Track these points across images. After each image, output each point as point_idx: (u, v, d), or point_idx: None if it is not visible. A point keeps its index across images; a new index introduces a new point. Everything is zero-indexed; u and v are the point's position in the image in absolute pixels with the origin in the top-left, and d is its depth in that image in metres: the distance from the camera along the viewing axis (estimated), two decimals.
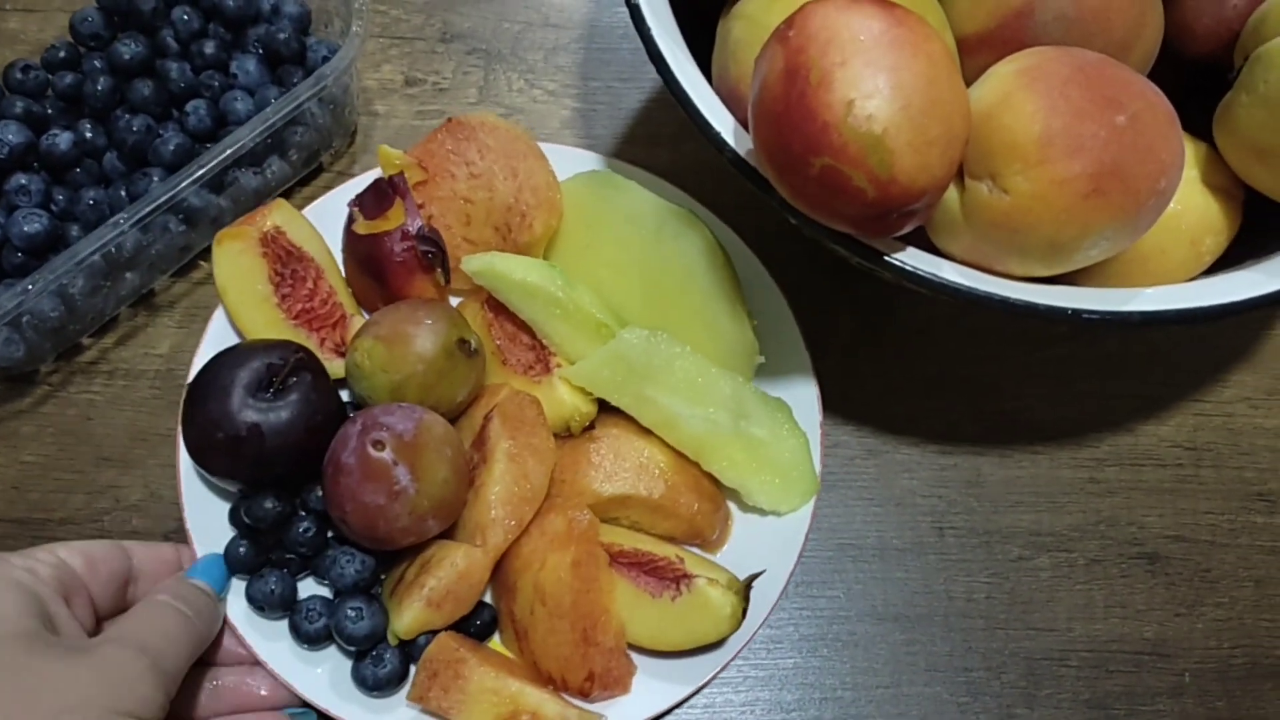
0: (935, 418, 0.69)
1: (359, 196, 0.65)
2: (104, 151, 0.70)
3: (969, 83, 0.55)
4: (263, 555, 0.59)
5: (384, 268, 0.64)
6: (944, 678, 0.63)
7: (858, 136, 0.46)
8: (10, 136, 0.66)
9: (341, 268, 0.67)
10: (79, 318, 0.67)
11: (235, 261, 0.63)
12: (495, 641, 0.60)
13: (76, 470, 0.66)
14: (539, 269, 0.63)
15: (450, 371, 0.60)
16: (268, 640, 0.58)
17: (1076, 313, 0.52)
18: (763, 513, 0.63)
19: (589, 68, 0.80)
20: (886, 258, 0.53)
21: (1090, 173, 0.48)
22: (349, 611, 0.56)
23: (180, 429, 0.58)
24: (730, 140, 0.55)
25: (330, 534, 0.60)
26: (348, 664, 0.58)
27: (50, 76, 0.71)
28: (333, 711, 0.57)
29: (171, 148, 0.68)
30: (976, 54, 0.58)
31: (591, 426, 0.64)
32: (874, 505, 0.67)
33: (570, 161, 0.68)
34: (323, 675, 0.58)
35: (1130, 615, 0.65)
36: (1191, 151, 0.57)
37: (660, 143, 0.77)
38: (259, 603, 0.57)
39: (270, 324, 0.63)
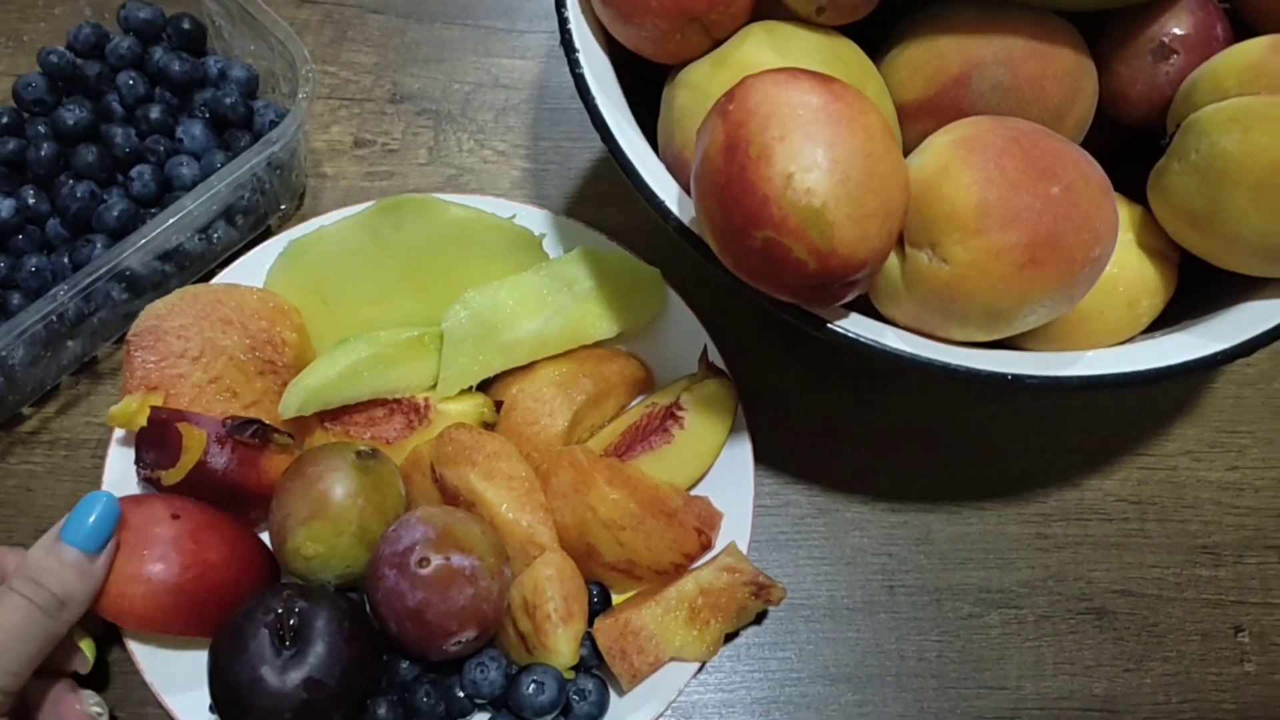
0: (884, 475, 0.70)
1: (141, 462, 0.59)
2: (47, 218, 0.69)
3: (909, 148, 0.56)
4: None
5: (232, 481, 0.59)
6: None
7: (797, 210, 0.46)
8: None
9: None
10: (19, 388, 0.66)
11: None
12: (616, 603, 0.62)
13: (16, 543, 0.64)
14: (334, 353, 0.63)
15: (379, 482, 0.59)
16: None
17: (1017, 378, 0.53)
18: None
19: (539, 127, 0.81)
20: (830, 326, 0.53)
21: (1026, 243, 0.49)
22: (529, 688, 0.55)
23: None
24: (674, 208, 0.55)
25: (433, 675, 0.58)
26: None
27: None
28: None
29: (116, 214, 0.68)
30: (916, 120, 0.59)
31: (497, 410, 0.65)
32: (825, 564, 0.67)
33: (525, 220, 0.68)
34: None
35: (1079, 671, 0.65)
36: (1127, 215, 0.58)
37: (611, 202, 0.77)
38: None
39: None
